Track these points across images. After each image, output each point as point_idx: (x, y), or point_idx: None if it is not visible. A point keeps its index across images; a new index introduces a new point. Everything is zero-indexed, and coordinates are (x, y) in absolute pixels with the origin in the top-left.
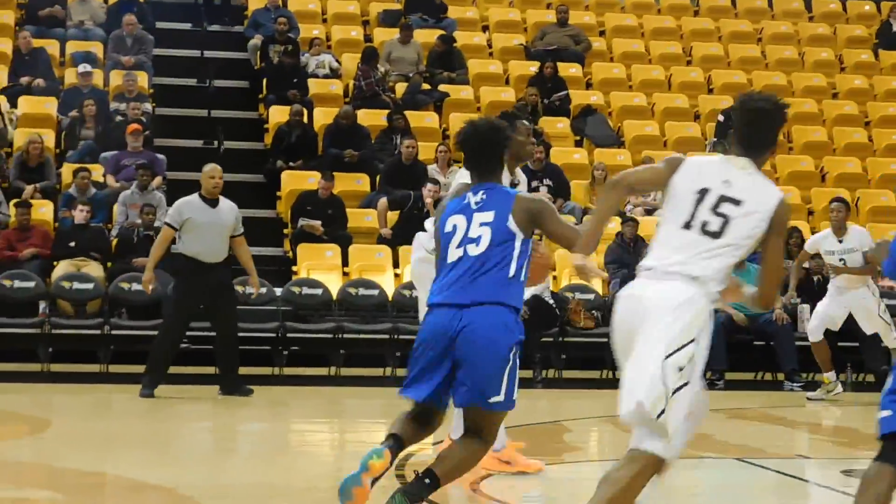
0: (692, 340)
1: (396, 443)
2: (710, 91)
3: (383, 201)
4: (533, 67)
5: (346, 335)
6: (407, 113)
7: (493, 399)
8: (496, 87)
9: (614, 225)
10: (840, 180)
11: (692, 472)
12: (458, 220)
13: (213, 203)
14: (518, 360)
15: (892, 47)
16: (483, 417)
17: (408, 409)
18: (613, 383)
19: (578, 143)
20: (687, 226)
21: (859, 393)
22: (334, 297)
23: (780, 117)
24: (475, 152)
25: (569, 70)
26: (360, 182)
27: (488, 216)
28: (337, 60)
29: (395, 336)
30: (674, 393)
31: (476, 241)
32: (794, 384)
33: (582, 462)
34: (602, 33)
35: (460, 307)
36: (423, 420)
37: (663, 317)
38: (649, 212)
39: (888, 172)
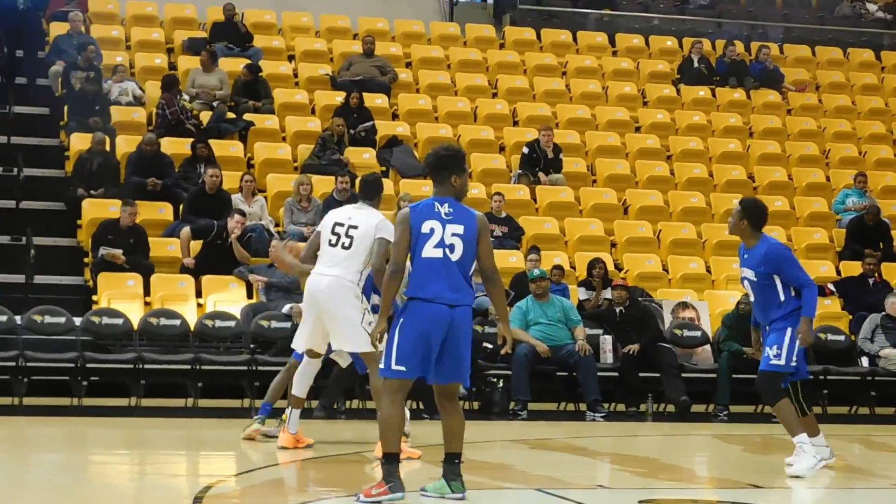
0: None
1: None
2: (516, 123)
3: (186, 230)
4: (339, 97)
5: (146, 365)
6: (211, 142)
7: (467, 375)
8: (302, 117)
9: None
10: (642, 213)
11: (494, 503)
12: (434, 225)
13: None
14: None
15: (692, 82)
16: (456, 388)
17: (400, 392)
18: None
19: (384, 174)
20: None
21: (658, 423)
22: (135, 326)
23: None
24: (435, 170)
25: (375, 101)
26: (162, 211)
27: (459, 229)
28: (140, 88)
29: (198, 366)
30: None
31: (451, 248)
32: (597, 414)
33: None
34: (408, 64)
35: (451, 306)
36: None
37: None
38: None
39: (689, 205)
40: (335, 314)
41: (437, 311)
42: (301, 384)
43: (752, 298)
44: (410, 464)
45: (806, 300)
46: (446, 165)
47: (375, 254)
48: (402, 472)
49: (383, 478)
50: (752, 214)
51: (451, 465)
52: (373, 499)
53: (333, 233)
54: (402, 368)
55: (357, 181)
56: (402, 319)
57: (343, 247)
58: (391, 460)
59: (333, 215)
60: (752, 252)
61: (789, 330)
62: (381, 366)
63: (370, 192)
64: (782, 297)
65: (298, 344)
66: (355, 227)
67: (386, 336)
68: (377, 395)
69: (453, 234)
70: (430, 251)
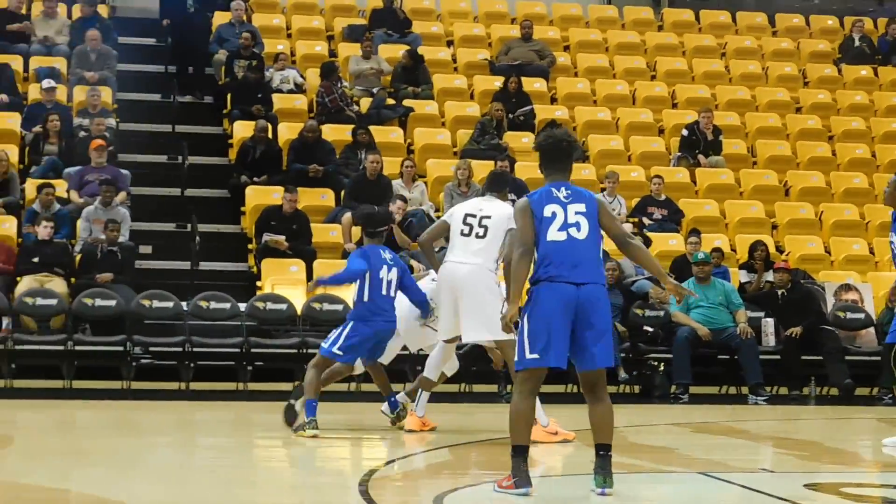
0: None
1: None
2: (675, 106)
3: (348, 216)
4: (497, 82)
5: (310, 350)
6: (371, 128)
7: (607, 358)
8: (461, 102)
9: None
10: (803, 194)
11: (657, 487)
12: (556, 209)
13: None
14: None
15: (854, 62)
16: (601, 376)
17: (530, 382)
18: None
19: None
20: None
21: (821, 406)
22: (298, 312)
23: None
24: (554, 156)
25: (533, 85)
26: (324, 197)
27: (581, 207)
28: (301, 75)
29: None
30: None
31: (576, 226)
32: (759, 398)
33: (547, 477)
34: (566, 48)
35: (578, 285)
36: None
37: None
38: None
39: (851, 186)
40: (476, 302)
41: (562, 290)
42: (435, 368)
43: None
44: (565, 447)
45: None
46: (567, 153)
47: (508, 244)
48: (557, 455)
49: (511, 471)
50: None
51: (598, 457)
52: (503, 490)
53: (465, 223)
54: (536, 356)
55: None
56: (529, 306)
57: (477, 236)
58: (519, 453)
59: (463, 207)
60: None
61: None
62: (516, 358)
63: (498, 185)
64: None
65: (443, 333)
66: (488, 217)
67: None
68: None
69: (577, 213)
70: (553, 234)
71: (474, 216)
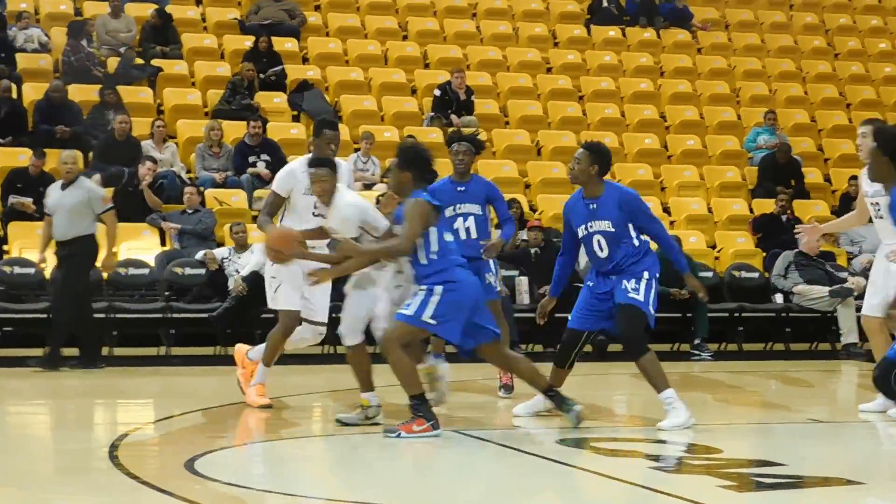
0: None
1: None
2: (427, 66)
3: (97, 178)
4: (248, 42)
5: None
6: (120, 88)
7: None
8: (211, 62)
9: None
10: (555, 154)
11: (412, 445)
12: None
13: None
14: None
15: (603, 22)
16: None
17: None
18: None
19: (296, 118)
20: None
21: (576, 363)
22: (48, 276)
23: None
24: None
25: (284, 45)
26: None
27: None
28: (46, 34)
29: (112, 315)
30: None
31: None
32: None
33: (304, 438)
34: (317, 8)
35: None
36: None
37: None
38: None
39: None
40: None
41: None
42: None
43: None
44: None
45: None
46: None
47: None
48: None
49: (423, 416)
50: None
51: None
52: (415, 435)
53: None
54: None
55: None
56: None
57: None
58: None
59: None
60: None
61: None
62: None
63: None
64: None
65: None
66: None
67: None
68: (272, 344)
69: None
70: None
71: None
